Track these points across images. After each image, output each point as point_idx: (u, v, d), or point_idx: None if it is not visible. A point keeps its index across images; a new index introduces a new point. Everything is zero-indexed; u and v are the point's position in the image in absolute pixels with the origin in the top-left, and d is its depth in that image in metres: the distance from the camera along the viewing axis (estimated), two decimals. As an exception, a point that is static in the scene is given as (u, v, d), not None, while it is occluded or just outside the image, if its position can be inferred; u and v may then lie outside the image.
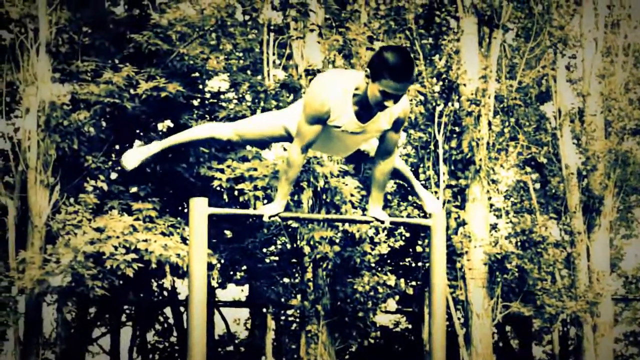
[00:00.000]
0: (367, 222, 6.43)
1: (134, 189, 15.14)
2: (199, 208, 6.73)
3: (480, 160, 16.91)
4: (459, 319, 17.14)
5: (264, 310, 17.78)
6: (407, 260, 19.26)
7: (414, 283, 17.90)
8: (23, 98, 14.66)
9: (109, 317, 17.45)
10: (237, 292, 22.01)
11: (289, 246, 15.92)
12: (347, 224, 14.69)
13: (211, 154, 14.48)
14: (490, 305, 17.10)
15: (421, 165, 17.50)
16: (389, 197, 17.03)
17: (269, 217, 5.97)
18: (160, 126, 16.56)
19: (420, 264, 18.70)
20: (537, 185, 19.17)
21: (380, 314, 19.85)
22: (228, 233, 17.54)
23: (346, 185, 13.81)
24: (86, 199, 13.86)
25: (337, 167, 13.59)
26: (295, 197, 14.04)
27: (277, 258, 17.81)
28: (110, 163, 14.91)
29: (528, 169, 18.66)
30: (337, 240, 14.93)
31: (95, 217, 13.72)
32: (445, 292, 7.55)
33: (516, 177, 18.55)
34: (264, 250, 18.49)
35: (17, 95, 15.20)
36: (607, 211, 18.49)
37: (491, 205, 18.58)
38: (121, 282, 13.96)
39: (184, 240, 14.13)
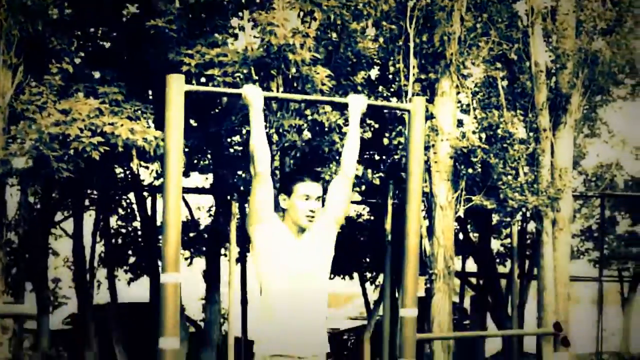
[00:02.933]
0: (345, 105, 6.22)
1: (100, 73, 14.76)
2: (176, 85, 6.50)
3: (451, 54, 16.71)
4: (422, 210, 17.15)
5: (229, 198, 17.59)
6: (373, 152, 19.04)
7: (380, 175, 17.71)
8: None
9: (72, 201, 17.18)
10: (200, 180, 21.77)
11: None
12: (316, 114, 14.42)
13: (180, 38, 13.98)
14: (454, 198, 17.16)
15: (391, 58, 17.25)
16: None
17: (257, 97, 5.69)
18: (125, 11, 16.13)
19: (384, 157, 18.55)
20: (505, 83, 18.93)
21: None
22: (193, 122, 17.19)
23: (317, 74, 13.42)
24: (51, 80, 13.40)
25: (309, 55, 13.18)
26: (265, 85, 13.64)
27: (241, 148, 17.53)
28: (75, 45, 14.38)
29: (498, 65, 18.44)
30: (305, 131, 14.71)
31: (60, 99, 13.32)
32: (421, 177, 7.28)
33: (485, 73, 18.28)
34: (229, 139, 18.25)
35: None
36: (573, 109, 18.33)
37: (459, 101, 18.46)
38: (86, 165, 13.60)
39: (151, 125, 13.88)
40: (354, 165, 5.72)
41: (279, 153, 14.94)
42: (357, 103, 6.00)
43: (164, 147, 6.41)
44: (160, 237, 20.47)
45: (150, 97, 16.22)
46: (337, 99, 6.23)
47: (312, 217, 5.41)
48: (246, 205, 18.34)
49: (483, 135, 17.38)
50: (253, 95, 5.69)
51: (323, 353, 5.36)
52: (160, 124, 13.93)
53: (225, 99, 14.60)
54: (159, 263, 19.39)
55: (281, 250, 5.32)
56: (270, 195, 5.37)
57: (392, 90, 17.75)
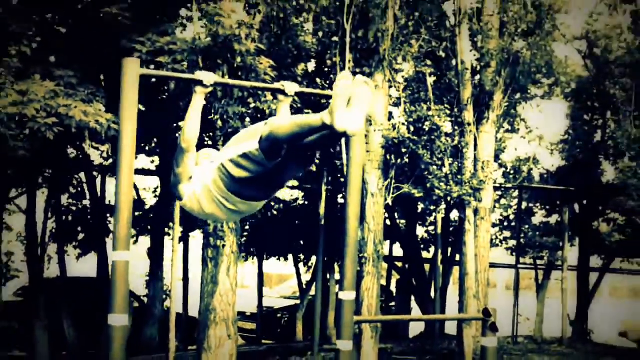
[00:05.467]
0: (279, 90, 6.41)
1: (55, 57, 14.73)
2: (132, 68, 6.52)
3: (385, 50, 16.93)
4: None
5: None
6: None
7: (315, 162, 17.87)
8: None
9: (26, 179, 17.10)
10: (147, 162, 21.77)
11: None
12: (258, 102, 14.55)
13: (132, 26, 14.06)
14: (384, 186, 17.38)
15: (328, 52, 17.46)
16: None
17: (209, 83, 5.96)
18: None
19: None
20: (434, 79, 19.23)
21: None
22: (141, 107, 17.21)
23: (261, 64, 13.59)
24: (10, 62, 13.39)
25: (253, 46, 13.34)
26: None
27: None
28: (33, 30, 14.36)
29: (427, 62, 18.73)
30: (248, 118, 14.82)
31: (18, 81, 13.29)
32: (361, 166, 7.51)
33: (415, 69, 18.56)
34: (175, 124, 18.34)
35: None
36: (495, 106, 18.70)
37: (390, 95, 18.69)
38: (41, 144, 13.61)
39: (103, 108, 13.87)
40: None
41: (222, 138, 15.05)
42: (290, 87, 6.39)
43: (119, 128, 6.41)
44: (108, 215, 20.46)
45: (103, 82, 16.21)
46: (277, 85, 6.37)
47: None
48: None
49: (412, 128, 17.56)
50: (208, 79, 5.96)
51: None
52: (111, 108, 13.96)
53: (172, 86, 14.66)
54: (107, 240, 19.53)
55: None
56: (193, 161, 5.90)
57: (328, 82, 18.01)
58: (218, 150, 5.86)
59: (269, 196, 5.67)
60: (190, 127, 5.78)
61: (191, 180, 5.79)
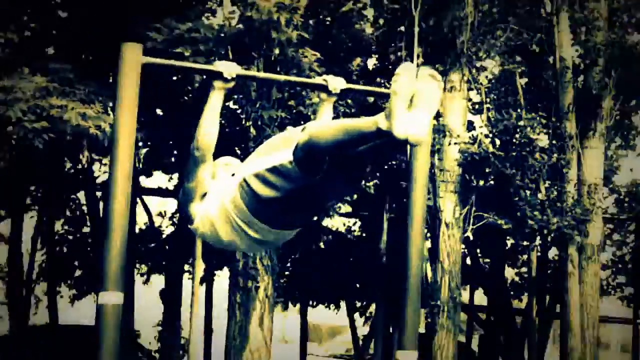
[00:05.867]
0: (320, 86, 6.29)
1: (52, 47, 14.88)
2: (131, 55, 6.48)
3: (463, 43, 16.93)
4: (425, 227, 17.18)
5: None
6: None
7: (375, 182, 17.93)
8: None
9: (10, 199, 17.24)
10: (164, 181, 21.85)
11: (228, 130, 15.82)
12: (301, 106, 14.57)
13: (146, 7, 14.18)
14: (462, 214, 17.30)
15: (392, 45, 17.44)
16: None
17: (230, 76, 5.91)
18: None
19: (380, 161, 18.67)
20: (525, 80, 19.14)
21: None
22: (158, 111, 17.38)
23: (305, 57, 13.64)
24: (-8, 51, 13.60)
25: (296, 34, 13.39)
26: (243, 69, 13.81)
27: None
28: (26, 13, 14.57)
29: (517, 58, 18.63)
30: (289, 126, 14.87)
31: (1, 75, 13.40)
32: (426, 180, 7.44)
33: (502, 68, 18.48)
34: None
35: None
36: (604, 115, 18.55)
37: (470, 99, 18.63)
38: (28, 155, 13.73)
39: (107, 110, 13.93)
40: None
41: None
42: (335, 83, 6.25)
43: (112, 131, 6.28)
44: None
45: (108, 78, 16.33)
46: (315, 79, 6.29)
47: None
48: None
49: (498, 141, 17.56)
50: (228, 71, 5.92)
51: None
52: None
53: (197, 83, 14.73)
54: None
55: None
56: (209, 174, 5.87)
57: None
58: (242, 160, 5.77)
59: (305, 223, 5.58)
60: (206, 130, 5.76)
61: (205, 198, 5.78)
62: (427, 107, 4.37)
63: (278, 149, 5.07)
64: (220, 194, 5.58)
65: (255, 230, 5.40)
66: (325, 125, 4.79)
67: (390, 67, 18.40)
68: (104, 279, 6.23)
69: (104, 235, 6.29)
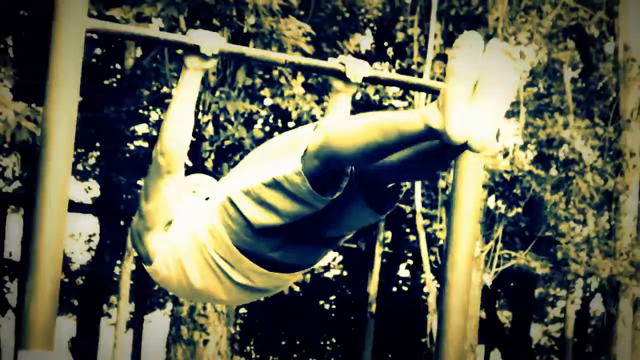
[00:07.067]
0: (334, 72, 5.76)
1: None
2: (73, 18, 6.11)
3: (497, 20, 16.68)
4: (435, 266, 17.35)
5: (121, 222, 17.83)
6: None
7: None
8: None
9: None
10: (79, 191, 21.74)
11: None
12: (278, 97, 14.45)
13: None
14: (484, 252, 17.14)
15: (401, 19, 17.32)
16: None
17: (210, 52, 5.29)
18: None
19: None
20: (576, 73, 19.09)
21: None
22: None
23: (288, 29, 13.42)
24: None
25: (277, 0, 13.20)
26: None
27: (147, 145, 17.94)
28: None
29: (568, 43, 18.62)
30: (259, 122, 14.77)
31: None
32: (478, 206, 7.11)
33: (547, 55, 18.48)
34: (131, 128, 18.31)
35: None
36: (676, 125, 18.63)
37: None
38: None
39: (8, 94, 13.94)
40: None
41: (212, 155, 14.88)
42: (356, 68, 5.65)
43: (44, 125, 5.55)
44: (5, 273, 20.34)
45: (11, 49, 16.14)
46: (329, 62, 5.89)
47: None
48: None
49: (535, 154, 17.79)
50: (209, 45, 5.30)
51: None
52: (24, 93, 13.82)
53: (130, 60, 14.57)
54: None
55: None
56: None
57: (399, 68, 17.92)
58: (217, 178, 5.57)
59: (312, 263, 5.31)
60: (176, 127, 5.24)
61: (170, 227, 5.37)
62: (498, 97, 4.14)
63: (279, 156, 4.87)
64: (192, 223, 5.26)
65: (243, 274, 5.20)
66: (346, 122, 4.65)
67: (395, 48, 18.39)
68: (25, 334, 5.47)
69: (29, 270, 5.58)
